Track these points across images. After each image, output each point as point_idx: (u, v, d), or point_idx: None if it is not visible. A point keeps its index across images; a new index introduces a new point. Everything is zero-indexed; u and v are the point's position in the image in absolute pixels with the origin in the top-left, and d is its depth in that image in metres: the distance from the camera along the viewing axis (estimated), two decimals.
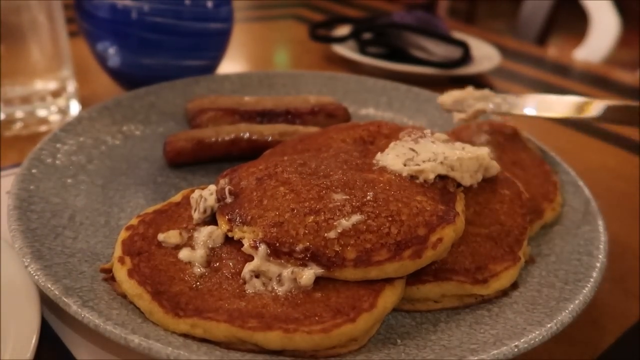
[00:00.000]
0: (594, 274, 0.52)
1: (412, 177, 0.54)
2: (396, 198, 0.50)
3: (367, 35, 1.29)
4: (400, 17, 1.29)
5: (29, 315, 0.47)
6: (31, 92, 0.84)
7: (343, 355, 0.44)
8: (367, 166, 0.57)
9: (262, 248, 0.47)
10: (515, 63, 1.44)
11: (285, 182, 0.52)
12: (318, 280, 0.46)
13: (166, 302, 0.45)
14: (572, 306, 0.48)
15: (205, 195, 0.53)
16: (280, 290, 0.46)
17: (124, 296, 0.47)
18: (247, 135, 0.73)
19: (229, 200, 0.53)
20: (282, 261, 0.46)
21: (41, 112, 0.86)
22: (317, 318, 0.43)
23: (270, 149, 0.67)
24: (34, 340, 0.44)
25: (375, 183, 0.52)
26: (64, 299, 0.44)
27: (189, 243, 0.51)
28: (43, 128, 0.85)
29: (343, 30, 1.37)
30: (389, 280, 0.46)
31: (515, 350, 0.43)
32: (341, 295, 0.45)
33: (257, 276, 0.46)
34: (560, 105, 0.73)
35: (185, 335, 0.43)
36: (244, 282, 0.47)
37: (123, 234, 0.52)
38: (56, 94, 0.87)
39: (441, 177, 0.55)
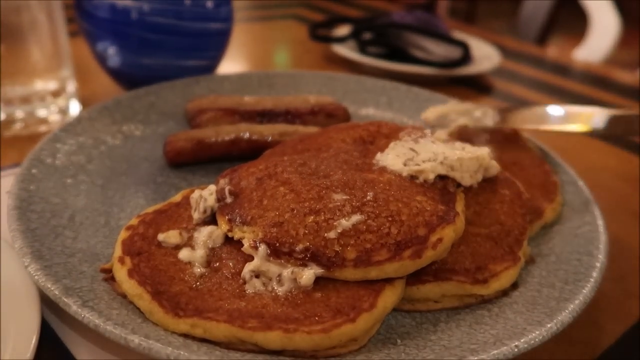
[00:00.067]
0: (594, 274, 0.52)
1: (412, 177, 0.54)
2: (396, 198, 0.50)
3: (367, 35, 1.29)
4: (400, 17, 1.29)
5: (29, 315, 0.47)
6: (31, 92, 0.84)
7: (343, 355, 0.44)
8: (367, 166, 0.57)
9: (262, 248, 0.47)
10: (515, 63, 1.44)
11: (285, 182, 0.52)
12: (318, 280, 0.46)
13: (166, 302, 0.45)
14: (572, 306, 0.48)
15: (205, 195, 0.53)
16: (280, 290, 0.46)
17: (124, 296, 0.47)
18: (247, 135, 0.73)
19: (229, 200, 0.53)
20: (282, 261, 0.46)
21: (41, 112, 0.86)
22: (317, 318, 0.43)
23: (270, 149, 0.67)
24: (34, 340, 0.44)
25: (375, 183, 0.52)
26: (64, 299, 0.44)
27: (189, 243, 0.51)
28: (43, 128, 0.85)
29: (343, 30, 1.37)
30: (389, 280, 0.46)
31: (515, 350, 0.43)
32: (341, 295, 0.45)
33: (257, 276, 0.46)
34: (542, 117, 0.73)
35: (185, 335, 0.43)
36: (244, 282, 0.47)
37: (123, 234, 0.52)
38: (56, 94, 0.87)
39: (441, 177, 0.55)
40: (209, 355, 0.41)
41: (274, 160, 0.57)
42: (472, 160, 0.56)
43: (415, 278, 0.49)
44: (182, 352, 0.40)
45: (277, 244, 0.47)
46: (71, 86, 0.90)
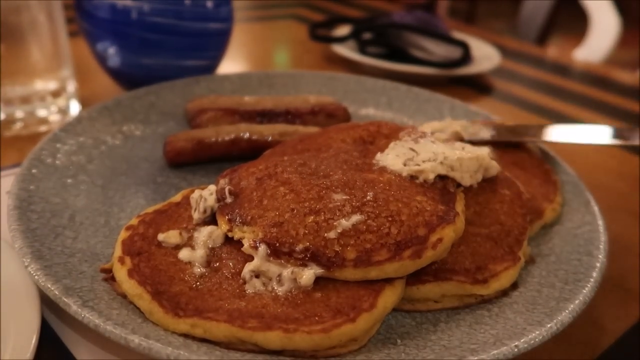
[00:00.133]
0: (594, 274, 0.52)
1: (412, 177, 0.54)
2: (396, 198, 0.50)
3: (367, 35, 1.29)
4: (400, 17, 1.29)
5: (29, 315, 0.47)
6: (31, 92, 0.84)
7: (343, 355, 0.44)
8: (367, 166, 0.57)
9: (262, 248, 0.47)
10: (515, 63, 1.44)
11: (285, 182, 0.52)
12: (318, 280, 0.46)
13: (166, 302, 0.45)
14: (572, 306, 0.48)
15: (205, 195, 0.53)
16: (280, 290, 0.46)
17: (124, 296, 0.47)
18: (247, 135, 0.73)
19: (229, 200, 0.53)
20: (282, 261, 0.46)
21: (41, 112, 0.86)
22: (317, 318, 0.43)
23: (270, 149, 0.67)
24: (34, 340, 0.44)
25: (375, 183, 0.52)
26: (64, 299, 0.44)
27: (189, 243, 0.51)
28: (43, 128, 0.85)
29: (343, 30, 1.37)
30: (389, 280, 0.46)
31: (515, 350, 0.43)
32: (341, 295, 0.45)
33: (257, 276, 0.46)
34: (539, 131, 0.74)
35: (185, 335, 0.43)
36: (244, 282, 0.47)
37: (123, 234, 0.52)
38: (56, 94, 0.87)
39: (441, 177, 0.55)
40: (209, 355, 0.41)
41: (274, 160, 0.57)
42: (472, 160, 0.56)
43: (415, 278, 0.49)
44: (182, 352, 0.40)
45: (277, 244, 0.46)
46: (71, 86, 0.90)
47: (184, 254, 0.50)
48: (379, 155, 0.58)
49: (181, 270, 0.48)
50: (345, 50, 1.25)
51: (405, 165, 0.55)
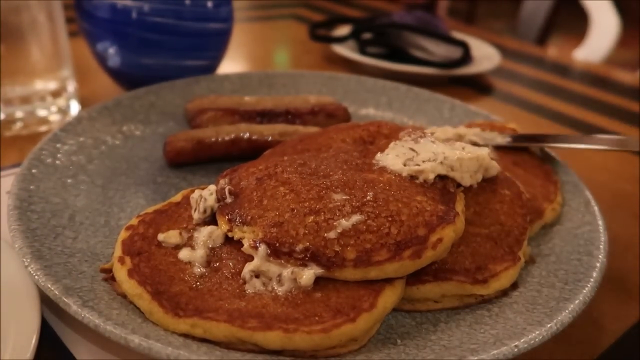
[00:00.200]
0: (594, 274, 0.52)
1: (412, 177, 0.54)
2: (396, 198, 0.50)
3: (367, 35, 1.29)
4: (400, 17, 1.29)
5: (29, 315, 0.47)
6: (31, 92, 0.84)
7: (343, 355, 0.44)
8: (367, 166, 0.57)
9: (262, 248, 0.47)
10: (515, 63, 1.44)
11: (285, 182, 0.52)
12: (318, 280, 0.46)
13: (166, 302, 0.45)
14: (572, 306, 0.48)
15: (205, 195, 0.53)
16: (280, 290, 0.46)
17: (124, 296, 0.47)
18: (247, 135, 0.73)
19: (229, 200, 0.53)
20: (282, 261, 0.46)
21: (41, 112, 0.86)
22: (317, 318, 0.43)
23: (270, 149, 0.67)
24: (34, 340, 0.44)
25: (375, 183, 0.52)
26: (64, 299, 0.44)
27: (189, 243, 0.51)
28: (43, 128, 0.85)
29: (343, 30, 1.37)
30: (389, 280, 0.46)
31: (515, 350, 0.43)
32: (341, 295, 0.45)
33: (257, 276, 0.46)
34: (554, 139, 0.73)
35: (185, 335, 0.43)
36: (244, 282, 0.47)
37: (123, 234, 0.52)
38: (56, 94, 0.87)
39: (441, 177, 0.55)
40: (209, 355, 0.41)
41: (274, 160, 0.57)
42: (472, 160, 0.56)
43: (415, 278, 0.49)
44: (182, 352, 0.40)
45: (277, 244, 0.46)
46: (71, 86, 0.90)
47: (184, 254, 0.50)
48: (379, 155, 0.58)
49: (181, 270, 0.48)
50: (345, 50, 1.26)
51: (405, 165, 0.55)
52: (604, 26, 2.03)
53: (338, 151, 0.61)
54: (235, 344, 0.43)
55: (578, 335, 0.54)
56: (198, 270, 0.48)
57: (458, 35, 1.37)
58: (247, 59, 1.38)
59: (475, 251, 0.52)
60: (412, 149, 0.57)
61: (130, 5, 0.85)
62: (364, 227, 0.47)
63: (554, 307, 0.48)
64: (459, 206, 0.52)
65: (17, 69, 0.82)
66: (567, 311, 0.47)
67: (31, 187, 0.59)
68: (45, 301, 0.49)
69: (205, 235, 0.51)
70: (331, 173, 0.54)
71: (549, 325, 0.45)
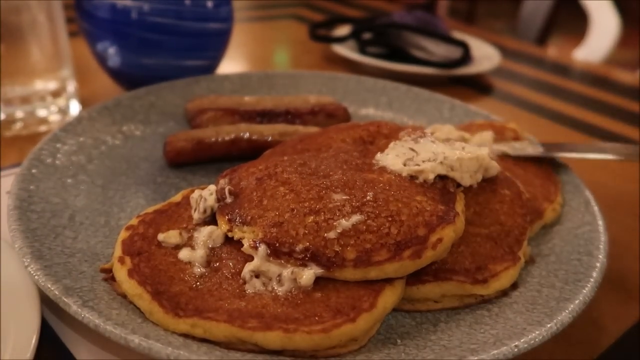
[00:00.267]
0: (594, 274, 0.52)
1: (412, 177, 0.54)
2: (396, 198, 0.50)
3: (367, 35, 1.29)
4: (400, 17, 1.29)
5: (29, 315, 0.47)
6: (31, 92, 0.84)
7: (343, 355, 0.44)
8: (367, 166, 0.57)
9: (262, 248, 0.47)
10: (515, 63, 1.44)
11: (285, 182, 0.52)
12: (318, 280, 0.46)
13: (166, 302, 0.45)
14: (572, 306, 0.48)
15: (205, 195, 0.53)
16: (280, 290, 0.46)
17: (124, 296, 0.47)
18: (247, 135, 0.73)
19: (229, 200, 0.53)
20: (282, 261, 0.46)
21: (41, 112, 0.86)
22: (317, 318, 0.43)
23: (270, 149, 0.67)
24: (34, 340, 0.44)
25: (375, 183, 0.52)
26: (64, 299, 0.44)
27: (189, 243, 0.51)
28: (43, 128, 0.85)
29: (343, 30, 1.37)
30: (389, 280, 0.46)
31: (515, 350, 0.43)
32: (341, 295, 0.45)
33: (257, 276, 0.46)
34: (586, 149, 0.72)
35: (185, 335, 0.43)
36: (244, 282, 0.47)
37: (123, 234, 0.52)
38: (56, 94, 0.87)
39: (441, 177, 0.55)
40: (209, 355, 0.41)
41: (274, 160, 0.57)
42: (472, 160, 0.56)
43: (415, 278, 0.49)
44: (182, 352, 0.40)
45: (277, 244, 0.46)
46: (71, 86, 0.90)
47: (184, 254, 0.50)
48: (379, 155, 0.58)
49: (181, 270, 0.48)
50: (345, 50, 1.26)
51: (405, 165, 0.55)
52: (604, 26, 2.03)
53: (338, 151, 0.61)
54: (235, 344, 0.43)
55: (578, 335, 0.54)
56: (198, 270, 0.48)
57: (458, 35, 1.37)
58: (247, 59, 1.38)
59: (475, 251, 0.52)
60: (412, 149, 0.57)
61: (130, 5, 0.85)
62: (364, 227, 0.47)
63: (554, 307, 0.48)
64: (459, 206, 0.52)
65: (17, 69, 0.82)
66: (567, 311, 0.47)
67: (31, 187, 0.59)
68: (45, 301, 0.49)
69: (205, 235, 0.51)
70: (331, 173, 0.54)
71: (549, 325, 0.45)
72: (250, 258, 0.47)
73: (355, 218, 0.47)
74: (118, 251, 0.50)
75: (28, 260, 0.48)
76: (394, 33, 1.25)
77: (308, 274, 0.45)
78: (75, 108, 0.91)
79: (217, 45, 0.97)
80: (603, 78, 1.43)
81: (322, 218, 0.47)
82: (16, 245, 0.50)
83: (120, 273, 0.47)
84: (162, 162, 0.74)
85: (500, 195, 0.58)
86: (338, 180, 0.52)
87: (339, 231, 0.46)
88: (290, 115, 0.80)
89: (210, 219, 0.53)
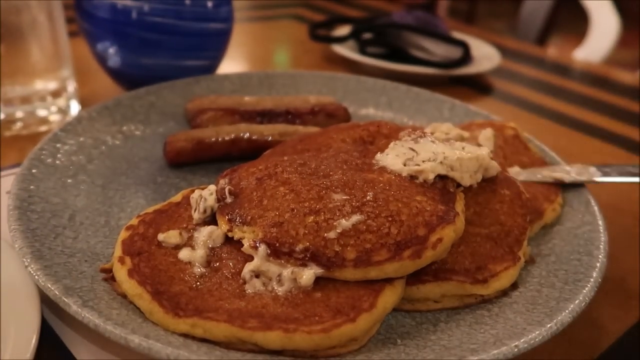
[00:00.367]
0: (594, 274, 0.52)
1: (412, 177, 0.54)
2: (396, 198, 0.50)
3: (367, 35, 1.29)
4: (400, 17, 1.29)
5: (29, 315, 0.47)
6: (31, 92, 0.84)
7: (343, 355, 0.44)
8: (367, 166, 0.57)
9: (262, 248, 0.47)
10: (515, 63, 1.44)
11: (285, 182, 0.52)
12: (318, 280, 0.46)
13: (166, 302, 0.45)
14: (572, 306, 0.48)
15: (205, 195, 0.53)
16: (280, 290, 0.46)
17: (124, 296, 0.47)
18: (247, 135, 0.73)
19: (229, 200, 0.53)
20: (282, 261, 0.46)
21: (41, 112, 0.86)
22: (317, 318, 0.43)
23: (270, 149, 0.67)
24: (34, 340, 0.44)
25: (375, 183, 0.52)
26: (64, 299, 0.44)
27: (189, 243, 0.51)
28: (43, 128, 0.85)
29: (343, 30, 1.37)
30: (389, 280, 0.46)
31: (515, 350, 0.43)
32: (341, 295, 0.45)
33: (257, 276, 0.46)
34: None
35: (185, 335, 0.43)
36: (244, 282, 0.47)
37: (123, 234, 0.52)
38: (56, 94, 0.87)
39: (441, 177, 0.54)
40: (209, 355, 0.41)
41: (274, 160, 0.57)
42: (472, 160, 0.56)
43: (415, 278, 0.49)
44: (182, 352, 0.40)
45: (277, 244, 0.46)
46: (71, 86, 0.90)
47: (184, 254, 0.50)
48: (379, 155, 0.58)
49: (181, 270, 0.48)
50: (345, 50, 1.26)
51: (405, 165, 0.55)
52: (604, 26, 2.03)
53: (338, 151, 0.61)
54: (235, 344, 0.43)
55: (578, 335, 0.54)
56: (198, 270, 0.48)
57: (458, 35, 1.37)
58: (247, 59, 1.38)
59: (475, 251, 0.52)
60: (412, 149, 0.57)
61: (130, 5, 0.85)
62: (364, 227, 0.47)
63: (554, 307, 0.48)
64: (459, 206, 0.52)
65: (17, 69, 0.82)
66: (567, 311, 0.47)
67: (31, 187, 0.59)
68: (45, 301, 0.49)
69: (205, 235, 0.51)
70: (331, 173, 0.54)
71: (549, 325, 0.45)
72: (250, 258, 0.47)
73: (355, 218, 0.47)
74: (118, 251, 0.50)
75: (28, 260, 0.48)
76: (394, 33, 1.25)
77: (308, 274, 0.45)
78: (75, 108, 0.91)
79: (217, 45, 0.97)
80: (603, 78, 1.43)
81: (322, 218, 0.47)
82: (16, 245, 0.50)
83: (120, 273, 0.47)
84: (162, 162, 0.74)
85: (500, 195, 0.58)
86: (338, 180, 0.52)
87: (339, 231, 0.46)
88: (290, 115, 0.80)
89: (210, 219, 0.53)
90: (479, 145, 0.67)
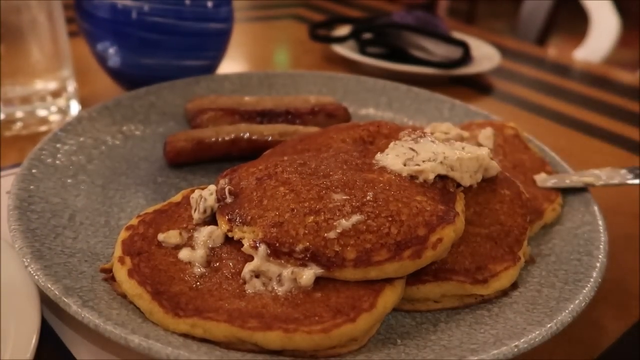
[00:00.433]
0: (594, 274, 0.52)
1: (412, 177, 0.54)
2: (396, 198, 0.50)
3: (367, 35, 1.29)
4: (400, 17, 1.29)
5: (29, 315, 0.47)
6: (31, 92, 0.84)
7: (343, 355, 0.44)
8: (367, 166, 0.57)
9: (262, 248, 0.47)
10: (515, 63, 1.44)
11: (285, 182, 0.52)
12: (318, 280, 0.46)
13: (166, 302, 0.45)
14: (572, 306, 0.48)
15: (205, 195, 0.53)
16: (280, 290, 0.46)
17: (124, 296, 0.47)
18: (247, 135, 0.73)
19: (229, 200, 0.53)
20: (282, 261, 0.46)
21: (41, 112, 0.86)
22: (317, 318, 0.43)
23: (270, 149, 0.67)
24: (34, 340, 0.44)
25: (375, 183, 0.52)
26: (64, 299, 0.44)
27: (189, 243, 0.51)
28: (43, 128, 0.85)
29: (343, 30, 1.37)
30: (389, 280, 0.46)
31: (515, 350, 0.43)
32: (341, 295, 0.45)
33: (257, 276, 0.46)
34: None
35: (185, 335, 0.43)
36: (244, 282, 0.47)
37: (123, 234, 0.52)
38: (56, 94, 0.87)
39: (441, 177, 0.55)
40: (209, 355, 0.41)
41: (274, 160, 0.57)
42: (472, 160, 0.56)
43: (415, 278, 0.49)
44: (182, 352, 0.40)
45: (277, 244, 0.46)
46: (71, 86, 0.90)
47: (184, 254, 0.50)
48: (379, 155, 0.58)
49: (181, 270, 0.48)
50: (345, 50, 1.25)
51: (405, 165, 0.55)
52: (604, 26, 2.03)
53: (338, 151, 0.61)
54: (235, 344, 0.43)
55: (578, 335, 0.54)
56: (198, 270, 0.48)
57: (458, 35, 1.37)
58: (247, 59, 1.38)
59: (475, 251, 0.52)
60: (412, 149, 0.57)
61: (130, 5, 0.85)
62: (364, 227, 0.47)
63: (554, 307, 0.48)
64: (459, 206, 0.52)
65: (17, 69, 0.82)
66: (567, 311, 0.47)
67: (31, 187, 0.59)
68: (45, 301, 0.49)
69: (205, 235, 0.51)
70: (331, 173, 0.54)
71: (549, 325, 0.45)
72: (250, 258, 0.47)
73: (355, 218, 0.47)
74: (118, 251, 0.50)
75: (28, 260, 0.48)
76: (394, 33, 1.25)
77: (308, 274, 0.45)
78: (75, 108, 0.91)
79: (217, 45, 0.97)
80: (603, 78, 1.43)
81: (322, 218, 0.47)
82: (16, 245, 0.50)
83: (120, 273, 0.47)
84: (162, 162, 0.74)
85: (500, 195, 0.58)
86: (338, 180, 0.52)
87: (339, 231, 0.46)
88: (290, 115, 0.80)
89: (210, 219, 0.53)
90: (479, 145, 0.67)
